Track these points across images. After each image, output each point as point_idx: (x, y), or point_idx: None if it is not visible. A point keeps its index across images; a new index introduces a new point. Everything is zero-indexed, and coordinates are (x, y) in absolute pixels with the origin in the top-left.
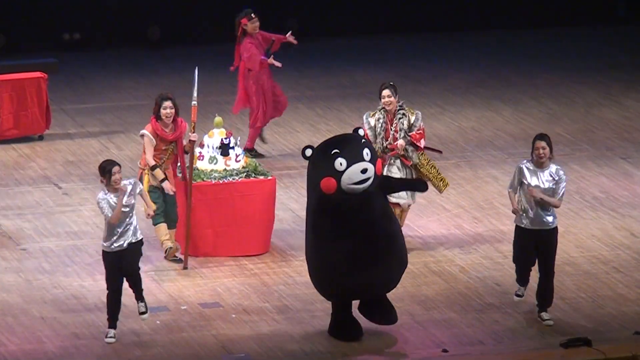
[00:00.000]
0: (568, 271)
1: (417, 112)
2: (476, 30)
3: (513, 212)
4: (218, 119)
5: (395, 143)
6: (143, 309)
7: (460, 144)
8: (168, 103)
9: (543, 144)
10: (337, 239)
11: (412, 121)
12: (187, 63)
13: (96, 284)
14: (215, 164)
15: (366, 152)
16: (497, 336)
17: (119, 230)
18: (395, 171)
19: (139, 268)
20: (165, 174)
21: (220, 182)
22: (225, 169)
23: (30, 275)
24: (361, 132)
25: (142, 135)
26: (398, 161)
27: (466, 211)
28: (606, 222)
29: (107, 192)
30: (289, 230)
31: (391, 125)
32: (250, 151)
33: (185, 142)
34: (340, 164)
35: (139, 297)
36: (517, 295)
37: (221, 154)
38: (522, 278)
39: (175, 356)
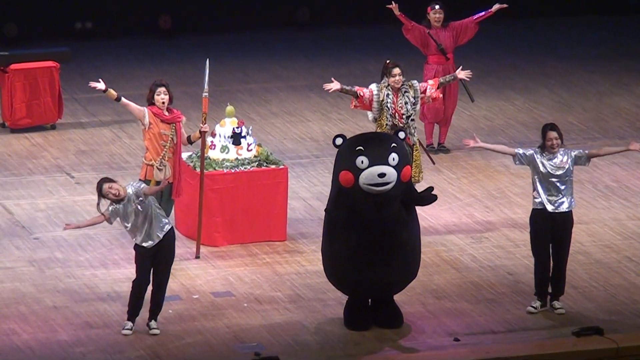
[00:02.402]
0: (580, 260)
1: (413, 82)
2: (487, 19)
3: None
4: (230, 108)
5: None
6: (157, 332)
7: (472, 133)
8: (162, 89)
9: (555, 134)
10: (346, 232)
11: (414, 93)
12: (199, 52)
13: (109, 273)
14: (227, 153)
15: (392, 157)
16: (509, 325)
17: (136, 228)
18: None
19: (167, 279)
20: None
21: (232, 171)
22: (237, 158)
23: (43, 265)
24: (402, 134)
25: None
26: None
27: (478, 200)
28: (619, 211)
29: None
30: (301, 219)
31: (397, 101)
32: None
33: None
34: (362, 162)
35: (154, 314)
36: (533, 307)
37: (233, 143)
38: (544, 283)
39: (188, 345)
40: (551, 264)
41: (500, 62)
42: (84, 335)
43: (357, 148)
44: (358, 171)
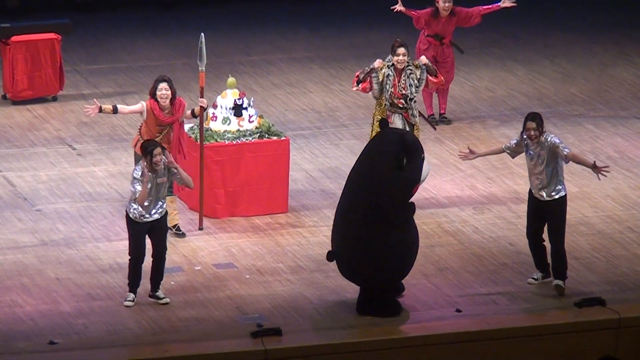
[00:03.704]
0: (582, 231)
1: (421, 65)
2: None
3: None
4: (231, 79)
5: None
6: (167, 300)
7: (473, 104)
8: (164, 85)
9: (533, 125)
10: (396, 233)
11: (418, 75)
12: (201, 23)
13: (110, 245)
14: (228, 124)
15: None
16: (510, 296)
17: (147, 203)
18: (397, 122)
19: (166, 248)
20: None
21: (234, 142)
22: (238, 130)
23: (45, 236)
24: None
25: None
26: (401, 116)
27: (480, 171)
28: (621, 182)
29: (144, 170)
30: (303, 190)
31: (399, 82)
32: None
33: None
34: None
35: (157, 284)
36: (533, 278)
37: (234, 115)
38: (536, 256)
39: (190, 317)
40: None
41: (503, 33)
42: (86, 306)
43: (423, 155)
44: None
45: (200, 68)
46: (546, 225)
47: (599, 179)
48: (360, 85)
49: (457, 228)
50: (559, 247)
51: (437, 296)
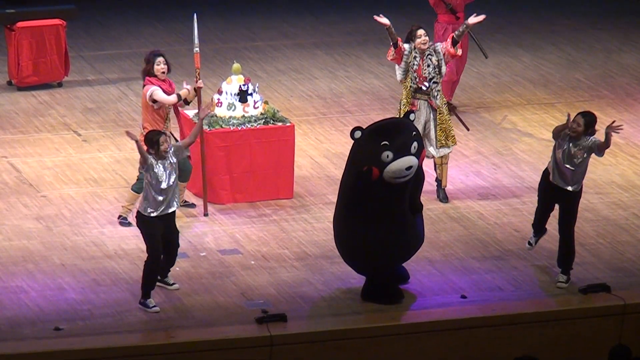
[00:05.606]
0: (587, 217)
1: (437, 44)
2: None
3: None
4: (236, 65)
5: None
6: (177, 286)
7: (478, 90)
8: (161, 59)
9: (581, 120)
10: (369, 223)
11: (437, 56)
12: (206, 9)
13: (116, 231)
14: (233, 110)
15: (414, 146)
16: (515, 282)
17: (163, 198)
18: (422, 109)
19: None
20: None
21: (239, 128)
22: (243, 116)
23: (51, 222)
24: (412, 116)
25: (151, 93)
26: (425, 103)
27: (485, 157)
28: (626, 168)
29: (156, 160)
30: (308, 176)
31: (422, 64)
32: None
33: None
34: (387, 156)
35: (167, 271)
36: (529, 244)
37: (239, 101)
38: (538, 222)
39: (195, 303)
40: (556, 235)
41: (508, 19)
42: (92, 292)
43: (382, 143)
44: (383, 165)
45: (195, 49)
46: (559, 219)
47: (616, 134)
48: (395, 52)
49: (462, 214)
50: (568, 237)
51: (442, 282)
